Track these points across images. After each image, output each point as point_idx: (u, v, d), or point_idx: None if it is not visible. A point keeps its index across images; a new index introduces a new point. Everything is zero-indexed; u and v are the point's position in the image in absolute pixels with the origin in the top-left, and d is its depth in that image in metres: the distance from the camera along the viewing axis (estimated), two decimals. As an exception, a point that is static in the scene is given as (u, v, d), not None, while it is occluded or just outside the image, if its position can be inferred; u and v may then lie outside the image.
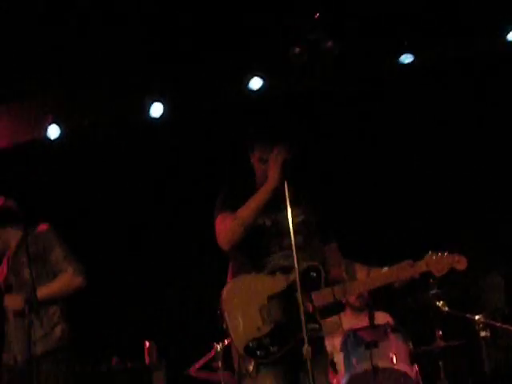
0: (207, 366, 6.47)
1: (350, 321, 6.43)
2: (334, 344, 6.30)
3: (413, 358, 5.96)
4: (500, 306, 7.32)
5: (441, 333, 6.10)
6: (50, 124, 7.58)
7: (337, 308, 4.23)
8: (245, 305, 4.13)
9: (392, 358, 5.73)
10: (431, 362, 6.29)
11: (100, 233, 7.79)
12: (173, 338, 7.53)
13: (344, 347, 6.02)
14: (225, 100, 7.54)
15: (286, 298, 4.11)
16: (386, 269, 4.26)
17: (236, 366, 4.19)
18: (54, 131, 7.60)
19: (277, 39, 7.17)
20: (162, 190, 7.92)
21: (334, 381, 6.13)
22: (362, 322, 6.25)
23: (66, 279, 5.16)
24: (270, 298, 4.11)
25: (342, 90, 7.68)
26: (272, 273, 4.18)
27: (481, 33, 7.23)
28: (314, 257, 4.25)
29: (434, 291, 6.12)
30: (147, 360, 6.52)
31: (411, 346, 5.98)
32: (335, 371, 6.28)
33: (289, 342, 4.06)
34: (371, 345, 5.75)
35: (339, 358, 6.15)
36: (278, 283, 4.14)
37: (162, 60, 7.26)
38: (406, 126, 7.78)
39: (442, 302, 6.09)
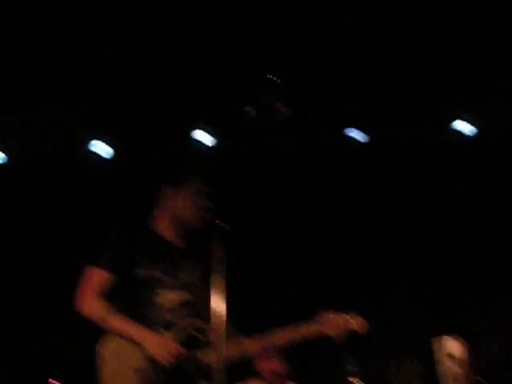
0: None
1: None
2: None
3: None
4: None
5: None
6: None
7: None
8: (123, 364, 3.83)
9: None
10: None
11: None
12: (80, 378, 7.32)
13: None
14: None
15: None
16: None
17: None
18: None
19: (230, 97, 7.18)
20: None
21: None
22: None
23: None
24: (150, 358, 3.84)
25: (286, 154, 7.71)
26: (154, 326, 3.92)
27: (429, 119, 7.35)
28: (201, 315, 4.02)
29: (350, 367, 6.06)
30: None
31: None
32: None
33: None
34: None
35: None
36: None
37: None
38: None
39: (356, 379, 6.03)
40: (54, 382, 6.44)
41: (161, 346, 3.84)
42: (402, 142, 7.68)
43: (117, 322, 3.89)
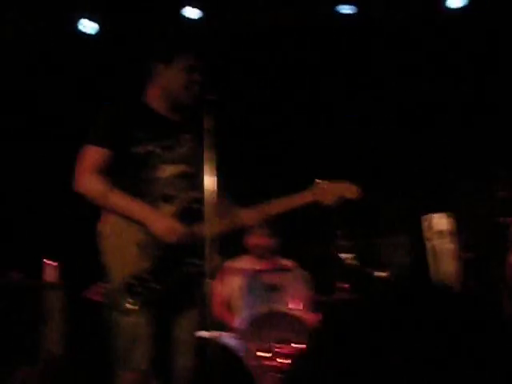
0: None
1: (252, 263, 6.44)
2: (232, 284, 6.34)
3: (313, 306, 6.00)
4: (406, 265, 7.41)
5: (345, 285, 6.14)
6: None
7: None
8: (124, 239, 3.85)
9: (290, 303, 5.73)
10: (332, 312, 6.33)
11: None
12: (76, 259, 7.39)
13: (244, 288, 6.00)
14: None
15: None
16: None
17: (109, 302, 3.90)
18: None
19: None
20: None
21: (230, 321, 6.16)
22: (266, 266, 6.26)
23: None
24: (151, 234, 3.86)
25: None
26: (154, 201, 3.91)
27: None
28: (200, 187, 3.93)
29: (342, 243, 6.13)
30: (46, 278, 6.42)
31: (312, 293, 6.01)
32: (231, 311, 6.37)
33: (170, 277, 3.88)
34: (272, 287, 5.75)
35: (237, 299, 6.18)
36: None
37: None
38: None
39: (351, 256, 6.09)
40: (49, 261, 6.49)
41: (163, 225, 3.85)
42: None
43: (117, 198, 3.87)
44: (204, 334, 5.50)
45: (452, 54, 7.53)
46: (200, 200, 3.92)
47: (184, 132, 4.08)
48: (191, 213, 3.96)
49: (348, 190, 4.09)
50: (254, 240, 6.44)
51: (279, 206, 4.09)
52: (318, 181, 4.11)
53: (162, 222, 3.87)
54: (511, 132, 6.81)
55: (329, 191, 4.08)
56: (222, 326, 6.19)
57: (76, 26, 7.45)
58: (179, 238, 3.87)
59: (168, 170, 3.98)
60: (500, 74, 7.40)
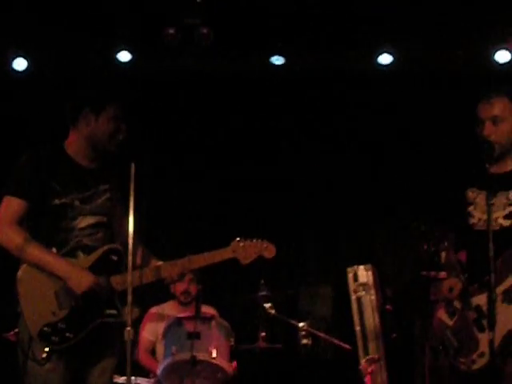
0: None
1: (175, 310, 6.46)
2: (156, 330, 6.33)
3: (233, 354, 6.00)
4: (326, 316, 7.49)
5: (264, 334, 6.18)
6: None
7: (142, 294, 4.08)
8: (41, 287, 3.87)
9: (212, 352, 5.72)
10: (252, 361, 6.36)
11: None
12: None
13: (166, 334, 5.99)
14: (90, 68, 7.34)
15: None
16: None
17: (23, 351, 3.85)
18: None
19: (152, 18, 7.06)
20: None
21: (153, 366, 6.17)
22: (188, 313, 6.26)
23: None
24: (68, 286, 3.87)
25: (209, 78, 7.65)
26: (71, 251, 3.95)
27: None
28: (118, 238, 4.08)
29: (263, 293, 6.19)
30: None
31: (233, 342, 6.02)
32: (155, 357, 6.41)
33: (85, 327, 3.87)
34: (193, 335, 5.74)
35: (160, 346, 6.17)
36: (78, 264, 3.93)
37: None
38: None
39: (269, 305, 6.16)
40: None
41: (77, 277, 3.86)
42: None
43: (33, 250, 3.88)
44: (121, 379, 5.52)
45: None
46: (116, 251, 3.97)
47: (103, 182, 4.10)
48: (108, 263, 3.98)
49: (266, 250, 4.18)
50: (179, 287, 6.48)
51: (199, 260, 4.15)
52: (237, 239, 4.19)
53: (77, 274, 3.87)
54: (433, 187, 6.93)
55: (247, 250, 4.16)
56: (145, 372, 6.16)
57: (9, 63, 7.39)
58: (93, 289, 3.87)
59: (85, 221, 3.99)
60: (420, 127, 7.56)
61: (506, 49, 7.15)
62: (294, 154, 7.84)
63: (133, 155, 3.92)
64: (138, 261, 4.14)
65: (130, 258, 3.79)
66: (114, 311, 3.93)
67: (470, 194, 4.33)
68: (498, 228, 4.13)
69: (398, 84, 7.56)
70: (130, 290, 3.75)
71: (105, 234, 4.04)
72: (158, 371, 5.85)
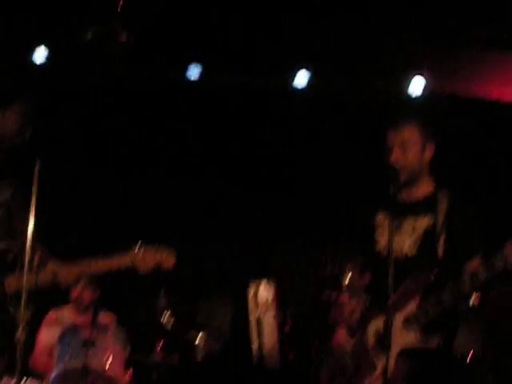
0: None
1: (73, 315, 6.37)
2: (54, 334, 6.20)
3: (128, 364, 5.93)
4: (224, 328, 7.44)
5: (161, 345, 6.12)
6: None
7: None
8: None
9: (106, 361, 5.63)
10: (147, 371, 6.29)
11: None
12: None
13: (61, 341, 5.87)
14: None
15: None
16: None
17: None
18: None
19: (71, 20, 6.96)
20: None
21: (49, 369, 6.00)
22: (85, 320, 6.17)
23: None
24: None
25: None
26: None
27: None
28: (14, 238, 3.99)
29: (162, 302, 6.13)
30: None
31: (128, 352, 5.95)
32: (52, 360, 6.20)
33: None
34: (88, 344, 5.64)
35: (56, 352, 6.02)
36: None
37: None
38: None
39: (168, 314, 6.09)
40: None
41: None
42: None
43: None
44: (8, 381, 5.36)
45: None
46: (13, 249, 3.85)
47: (6, 177, 4.02)
48: (4, 263, 3.90)
49: (165, 260, 4.11)
50: (76, 292, 6.38)
51: (97, 266, 4.06)
52: (136, 245, 4.10)
53: None
54: (344, 209, 6.97)
55: (146, 258, 4.09)
56: (40, 375, 6.02)
57: None
58: None
59: None
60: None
61: (421, 74, 7.19)
62: (197, 162, 7.82)
63: (38, 152, 3.86)
64: (36, 261, 4.01)
65: (26, 257, 3.69)
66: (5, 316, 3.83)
67: (380, 218, 4.35)
68: (402, 255, 4.16)
69: (313, 107, 7.60)
70: (24, 293, 3.66)
71: (3, 231, 3.95)
72: (51, 377, 5.74)
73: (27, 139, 4.01)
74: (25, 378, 5.30)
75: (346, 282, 4.63)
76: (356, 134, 7.39)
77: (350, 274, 4.57)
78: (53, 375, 5.72)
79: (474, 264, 3.95)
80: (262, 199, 7.70)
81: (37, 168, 3.80)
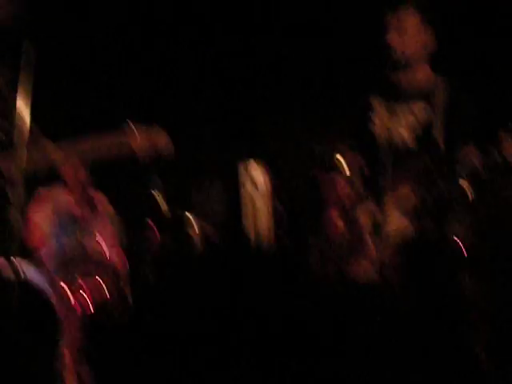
0: None
1: (64, 194, 6.35)
2: (45, 212, 6.22)
3: (118, 242, 5.99)
4: (217, 211, 7.50)
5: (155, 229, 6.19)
6: None
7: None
8: None
9: (97, 237, 5.70)
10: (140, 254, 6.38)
11: None
12: None
13: (52, 218, 5.90)
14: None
15: None
16: None
17: None
18: None
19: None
20: None
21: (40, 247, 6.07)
22: (77, 198, 6.18)
23: None
24: None
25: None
26: None
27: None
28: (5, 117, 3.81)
29: (153, 184, 6.15)
30: None
31: (119, 230, 6.01)
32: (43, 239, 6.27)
33: None
34: (79, 221, 5.70)
35: (48, 227, 6.07)
36: None
37: None
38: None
39: (157, 193, 6.13)
40: None
41: None
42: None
43: None
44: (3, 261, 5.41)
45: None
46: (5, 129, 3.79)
47: None
48: None
49: (159, 139, 4.02)
50: (67, 170, 6.34)
51: (90, 143, 3.98)
52: (130, 125, 4.02)
53: None
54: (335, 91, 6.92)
55: (140, 137, 4.00)
56: (29, 253, 6.08)
57: None
58: None
59: None
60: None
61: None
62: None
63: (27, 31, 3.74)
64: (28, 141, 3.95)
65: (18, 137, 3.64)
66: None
67: (375, 101, 4.31)
68: (397, 139, 4.15)
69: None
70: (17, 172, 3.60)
71: None
72: (43, 255, 5.78)
73: (11, 15, 3.89)
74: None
75: (338, 163, 4.63)
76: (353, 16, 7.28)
77: (341, 155, 4.56)
78: (46, 252, 5.78)
79: (469, 150, 3.95)
80: (250, 78, 7.62)
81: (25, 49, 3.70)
